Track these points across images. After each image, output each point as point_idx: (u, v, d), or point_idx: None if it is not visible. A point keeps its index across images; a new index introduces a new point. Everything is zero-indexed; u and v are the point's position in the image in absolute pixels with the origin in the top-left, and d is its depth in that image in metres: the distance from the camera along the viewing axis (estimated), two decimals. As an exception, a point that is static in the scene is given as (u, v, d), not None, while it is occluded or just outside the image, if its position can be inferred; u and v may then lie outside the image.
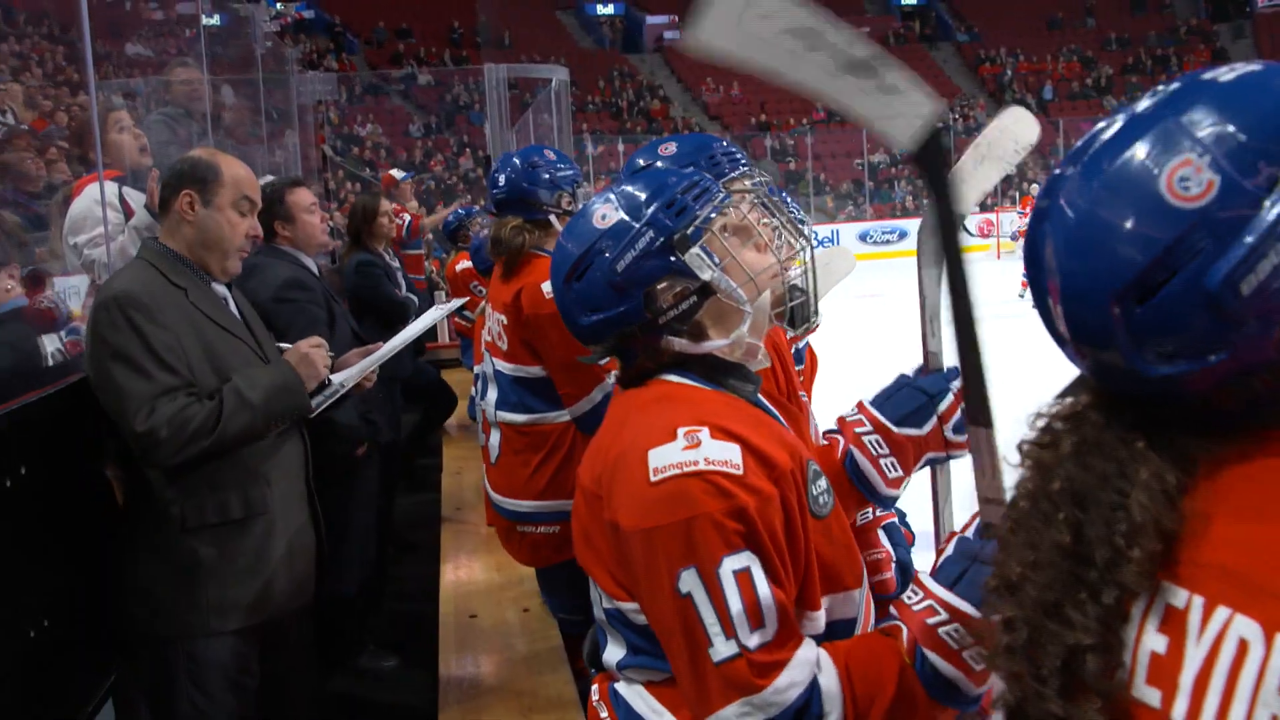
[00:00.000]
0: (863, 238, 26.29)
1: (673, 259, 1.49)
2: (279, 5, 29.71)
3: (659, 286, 1.50)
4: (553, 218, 3.14)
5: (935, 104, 1.36)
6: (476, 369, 4.27)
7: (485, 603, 3.44)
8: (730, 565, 1.32)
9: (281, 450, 2.56)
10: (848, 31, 1.35)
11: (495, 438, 3.22)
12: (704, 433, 1.38)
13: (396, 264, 5.48)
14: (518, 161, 3.19)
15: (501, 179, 3.18)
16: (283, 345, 2.73)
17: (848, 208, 28.58)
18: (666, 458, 1.37)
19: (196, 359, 2.40)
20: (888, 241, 26.33)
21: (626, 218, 1.51)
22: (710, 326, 1.53)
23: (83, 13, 2.93)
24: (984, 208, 23.61)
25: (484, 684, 2.91)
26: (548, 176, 3.15)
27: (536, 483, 3.06)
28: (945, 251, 1.34)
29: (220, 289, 2.59)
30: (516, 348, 3.08)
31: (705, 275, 1.49)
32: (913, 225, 26.67)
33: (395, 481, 4.83)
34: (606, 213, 1.53)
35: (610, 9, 37.89)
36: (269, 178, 3.78)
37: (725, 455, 1.37)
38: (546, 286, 2.88)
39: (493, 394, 3.23)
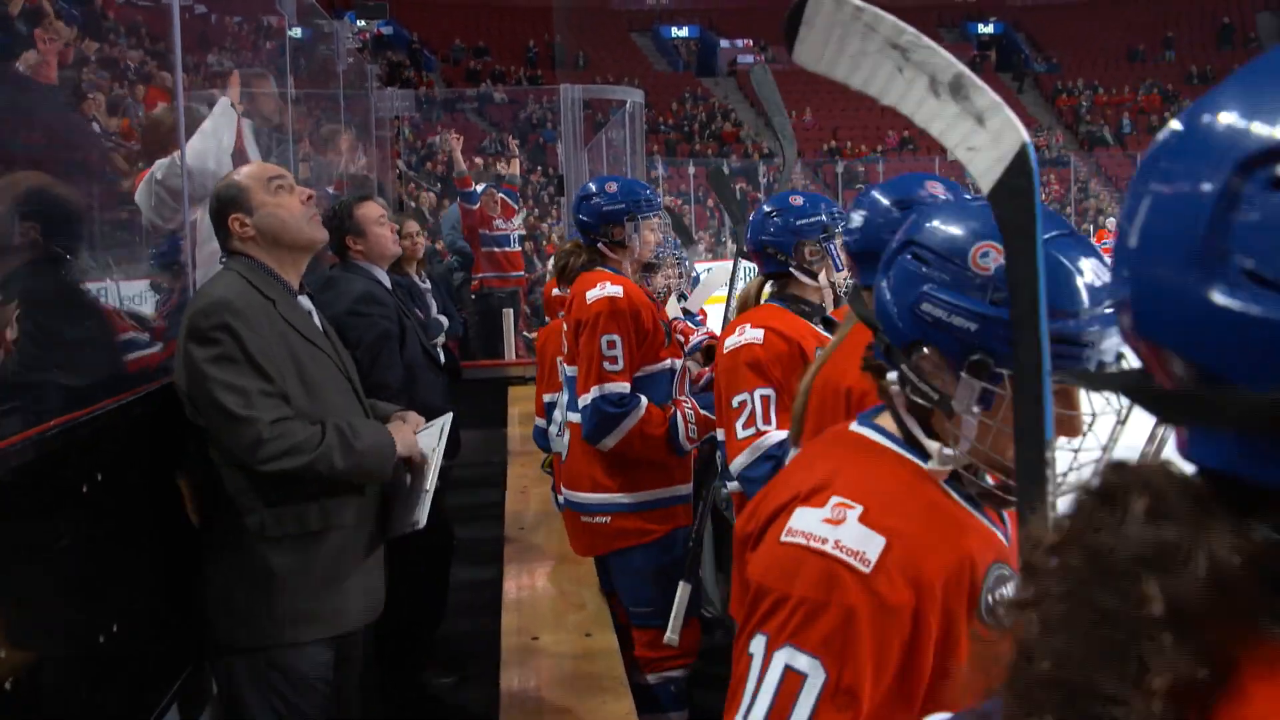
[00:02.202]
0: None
1: (976, 356, 1.27)
2: (361, 21, 30.24)
3: (925, 351, 1.32)
4: (601, 245, 3.48)
5: (1019, 139, 1.20)
6: (547, 398, 4.27)
7: (548, 625, 3.41)
8: (785, 659, 1.21)
9: None
10: (939, 51, 1.29)
11: (567, 437, 3.58)
12: (854, 513, 1.25)
13: (426, 284, 5.26)
14: (591, 186, 3.56)
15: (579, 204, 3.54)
16: (378, 403, 2.83)
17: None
18: (804, 522, 1.27)
19: (287, 370, 2.43)
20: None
21: (993, 276, 1.28)
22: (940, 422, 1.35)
23: (174, 24, 2.98)
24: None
25: (545, 707, 2.88)
26: (598, 207, 3.46)
27: (594, 475, 3.40)
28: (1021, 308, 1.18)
29: (305, 302, 2.62)
30: (574, 350, 3.42)
31: (964, 400, 1.29)
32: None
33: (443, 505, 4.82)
34: (990, 252, 1.29)
35: (685, 32, 38.04)
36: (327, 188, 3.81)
37: (862, 547, 1.22)
38: (590, 293, 3.32)
39: (564, 397, 3.66)
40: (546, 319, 5.12)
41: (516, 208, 9.06)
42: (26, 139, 2.87)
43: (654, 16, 38.46)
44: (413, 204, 10.10)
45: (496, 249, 8.56)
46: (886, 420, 1.40)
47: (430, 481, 2.67)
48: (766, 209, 3.00)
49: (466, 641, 4.40)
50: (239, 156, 3.66)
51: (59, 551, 2.07)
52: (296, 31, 5.90)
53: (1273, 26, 36.85)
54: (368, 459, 2.49)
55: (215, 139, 3.53)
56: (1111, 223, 22.32)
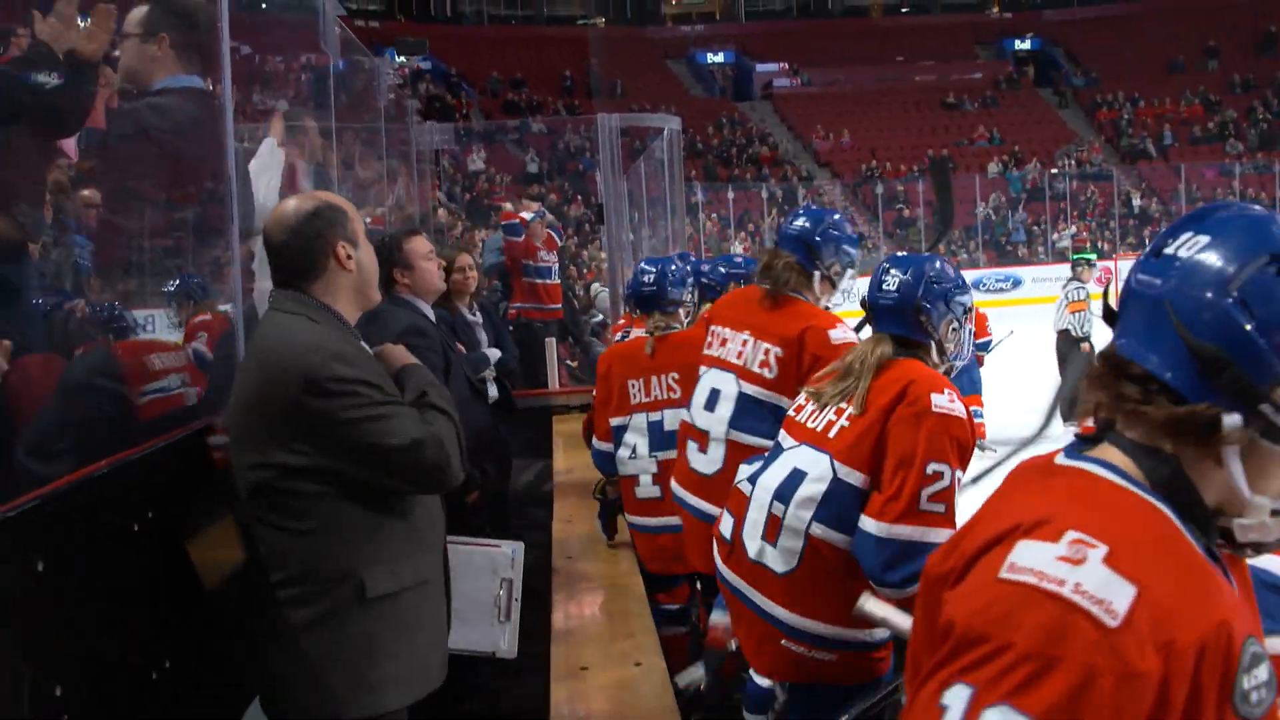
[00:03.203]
0: (976, 285, 25.87)
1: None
2: (401, 58, 30.63)
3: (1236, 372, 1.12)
4: (816, 274, 3.38)
5: None
6: (615, 421, 4.19)
7: (596, 655, 3.39)
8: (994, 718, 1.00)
9: (435, 512, 2.51)
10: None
11: (718, 451, 3.42)
12: (1097, 553, 1.05)
13: (476, 317, 5.12)
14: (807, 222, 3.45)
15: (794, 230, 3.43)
16: None
17: (961, 255, 28.16)
18: (1032, 558, 1.06)
19: None
20: (1000, 290, 25.86)
21: None
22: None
23: (225, 65, 3.03)
24: (1101, 255, 22.99)
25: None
26: (834, 240, 3.39)
27: None
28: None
29: (361, 340, 2.50)
30: (786, 380, 3.26)
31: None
32: (1026, 273, 26.19)
33: (506, 529, 4.82)
34: None
35: (720, 57, 38.17)
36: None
37: (1107, 595, 1.02)
38: (834, 333, 3.22)
39: (726, 410, 3.41)
40: (602, 346, 5.14)
41: (559, 241, 9.10)
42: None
43: (689, 42, 38.63)
44: (454, 234, 10.18)
45: (538, 280, 8.60)
46: (1115, 456, 1.19)
47: (514, 611, 2.61)
48: (924, 271, 2.70)
49: (512, 669, 4.38)
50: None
51: (111, 590, 2.09)
52: (339, 66, 5.98)
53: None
54: (435, 390, 2.47)
55: (265, 177, 3.60)
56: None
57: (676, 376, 3.96)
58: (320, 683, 2.27)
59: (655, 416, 4.00)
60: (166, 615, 2.33)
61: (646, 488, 4.01)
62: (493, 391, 4.59)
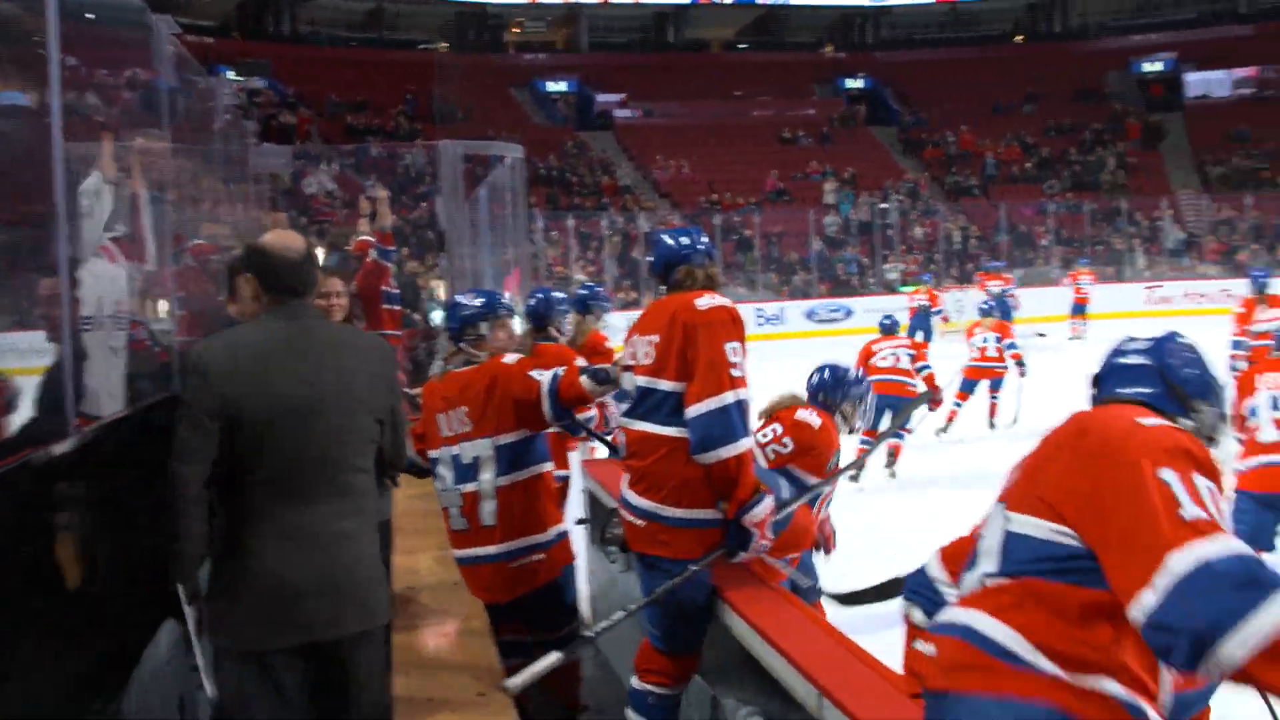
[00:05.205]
0: (809, 315, 26.55)
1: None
2: (238, 77, 29.78)
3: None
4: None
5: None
6: (433, 454, 4.19)
7: (438, 687, 3.37)
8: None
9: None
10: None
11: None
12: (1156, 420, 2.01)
13: None
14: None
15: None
16: None
17: (791, 285, 28.87)
18: (1152, 421, 1.99)
19: None
20: (834, 319, 26.57)
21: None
22: None
23: (54, 81, 2.92)
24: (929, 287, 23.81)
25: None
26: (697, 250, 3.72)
27: None
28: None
29: None
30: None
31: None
32: (858, 303, 26.99)
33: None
34: None
35: (563, 86, 38.35)
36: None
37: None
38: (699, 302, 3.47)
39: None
40: (430, 374, 5.10)
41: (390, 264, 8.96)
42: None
43: (532, 71, 38.71)
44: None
45: (393, 306, 8.46)
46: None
47: None
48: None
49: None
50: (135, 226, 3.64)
51: None
52: (173, 84, 5.81)
53: (1120, 82, 38.85)
54: None
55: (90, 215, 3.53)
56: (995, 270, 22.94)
57: (467, 410, 3.97)
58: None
59: (455, 450, 4.00)
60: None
61: (455, 519, 4.02)
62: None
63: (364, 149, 24.15)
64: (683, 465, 3.38)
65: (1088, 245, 29.57)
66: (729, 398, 3.30)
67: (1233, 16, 39.44)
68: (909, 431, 9.88)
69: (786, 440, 4.65)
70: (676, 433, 3.39)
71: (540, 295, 6.40)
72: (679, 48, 41.16)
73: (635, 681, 3.63)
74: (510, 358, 4.13)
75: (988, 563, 2.01)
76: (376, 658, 2.88)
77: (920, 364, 9.78)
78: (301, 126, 30.51)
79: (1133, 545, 1.75)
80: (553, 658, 3.31)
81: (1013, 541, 1.97)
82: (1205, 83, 38.14)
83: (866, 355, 9.73)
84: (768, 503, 3.38)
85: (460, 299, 4.30)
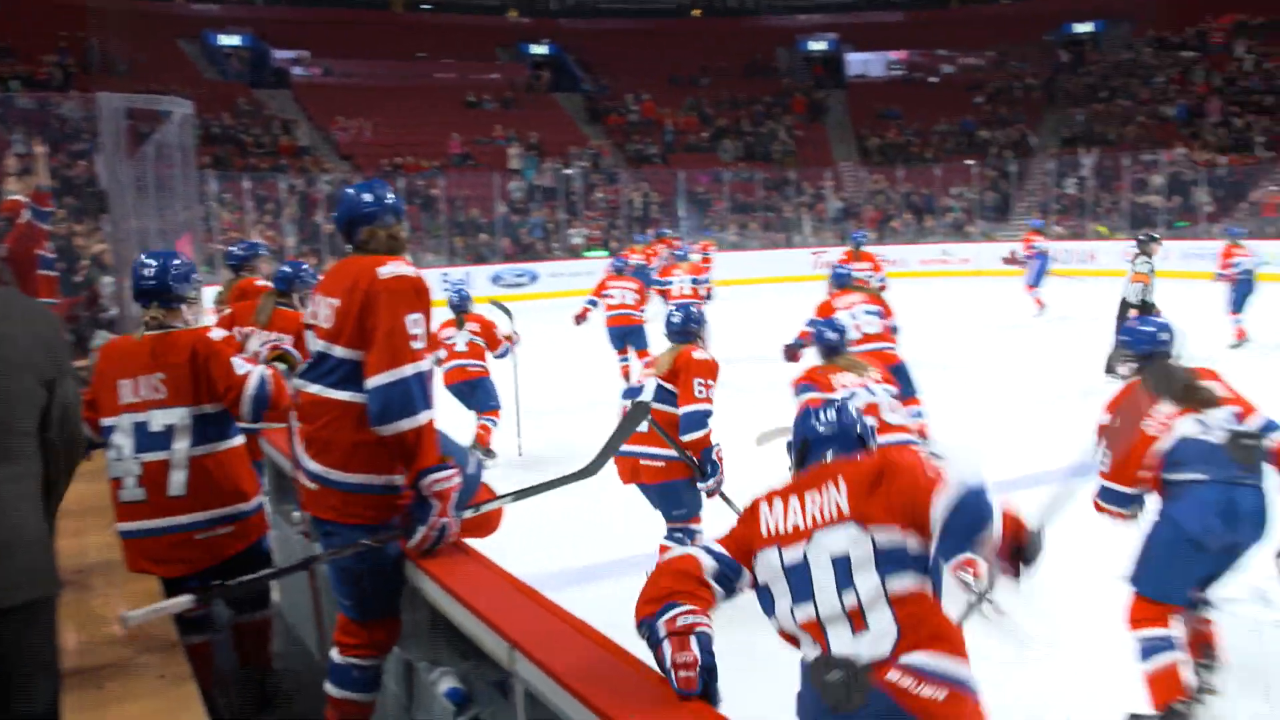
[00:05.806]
0: (495, 280, 26.59)
1: None
2: None
3: None
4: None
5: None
6: (107, 421, 3.95)
7: (114, 671, 3.21)
8: None
9: None
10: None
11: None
12: None
13: None
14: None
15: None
16: None
17: (480, 250, 28.82)
18: None
19: None
20: (519, 284, 26.74)
21: None
22: None
23: None
24: (611, 252, 24.40)
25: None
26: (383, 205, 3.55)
27: None
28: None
29: None
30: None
31: None
32: (543, 268, 27.30)
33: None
34: None
35: (237, 40, 36.39)
36: None
37: None
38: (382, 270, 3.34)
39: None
40: (96, 344, 4.80)
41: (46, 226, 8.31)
42: None
43: (203, 22, 36.45)
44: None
45: (49, 271, 7.82)
46: None
47: None
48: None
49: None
50: None
51: None
52: None
53: (788, 59, 41.19)
54: None
55: None
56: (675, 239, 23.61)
57: (163, 377, 3.85)
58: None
59: (141, 417, 3.83)
60: None
61: (130, 490, 3.84)
62: None
63: (9, 99, 22.09)
64: (353, 430, 3.30)
65: (760, 212, 31.18)
66: (408, 370, 3.24)
67: (886, 3, 42.55)
68: None
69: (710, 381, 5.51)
70: (348, 397, 3.32)
71: (291, 266, 6.46)
72: (360, 4, 39.92)
73: (336, 655, 3.55)
74: (216, 333, 4.01)
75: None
76: (45, 631, 2.70)
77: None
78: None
79: None
80: (185, 599, 3.22)
81: None
82: (864, 63, 41.18)
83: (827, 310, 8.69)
84: (451, 473, 3.36)
85: (153, 259, 4.09)
